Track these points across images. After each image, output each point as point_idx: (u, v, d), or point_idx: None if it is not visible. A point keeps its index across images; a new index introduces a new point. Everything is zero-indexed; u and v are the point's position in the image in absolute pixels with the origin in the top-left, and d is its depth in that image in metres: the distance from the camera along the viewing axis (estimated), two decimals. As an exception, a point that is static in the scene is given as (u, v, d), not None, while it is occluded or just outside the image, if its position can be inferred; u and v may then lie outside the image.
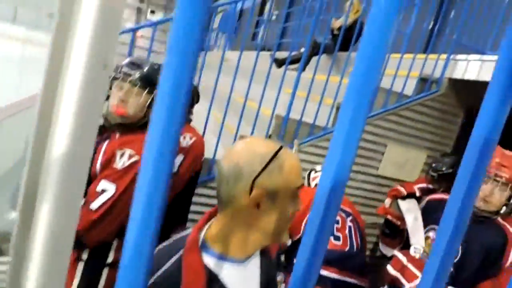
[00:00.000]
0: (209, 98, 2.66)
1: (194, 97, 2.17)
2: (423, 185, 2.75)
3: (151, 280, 0.77)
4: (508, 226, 1.50)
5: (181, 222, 2.20)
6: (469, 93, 3.02)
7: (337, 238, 1.95)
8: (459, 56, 2.92)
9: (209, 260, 0.80)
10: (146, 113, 1.46)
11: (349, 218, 2.05)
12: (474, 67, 2.80)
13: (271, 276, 0.92)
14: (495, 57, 2.70)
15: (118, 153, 1.34)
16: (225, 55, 4.86)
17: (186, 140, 1.99)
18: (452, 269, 1.49)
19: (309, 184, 2.32)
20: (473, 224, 1.52)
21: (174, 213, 2.10)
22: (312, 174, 2.35)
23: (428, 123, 3.06)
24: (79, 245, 1.32)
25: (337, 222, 1.99)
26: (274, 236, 0.83)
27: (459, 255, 1.49)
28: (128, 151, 1.36)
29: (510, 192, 1.44)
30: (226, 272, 0.80)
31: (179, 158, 1.98)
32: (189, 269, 0.77)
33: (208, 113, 2.57)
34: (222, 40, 7.03)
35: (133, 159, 1.35)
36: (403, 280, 1.46)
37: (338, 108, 2.82)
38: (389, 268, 1.51)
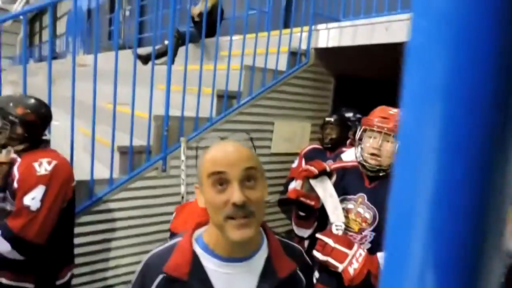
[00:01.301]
0: (70, 110, 2.24)
1: (47, 116, 1.78)
2: (310, 147, 2.89)
3: (145, 260, 0.88)
4: None
5: (67, 262, 1.82)
6: (335, 59, 3.19)
7: None
8: (320, 26, 3.04)
9: (197, 249, 0.86)
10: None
11: None
12: (334, 34, 2.94)
13: None
14: (349, 23, 2.88)
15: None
16: (81, 60, 4.33)
17: (44, 167, 1.61)
18: (373, 234, 1.50)
19: None
20: (378, 185, 1.54)
21: (56, 253, 1.72)
22: None
23: (306, 94, 3.15)
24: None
25: None
26: (221, 231, 0.81)
27: (377, 218, 1.51)
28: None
29: None
30: (212, 265, 0.84)
31: (39, 191, 1.58)
32: (178, 250, 0.85)
33: (72, 129, 2.17)
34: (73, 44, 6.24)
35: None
36: (335, 263, 1.41)
37: (218, 96, 2.69)
38: (317, 254, 1.44)
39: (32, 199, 1.56)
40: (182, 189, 2.39)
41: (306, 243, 2.62)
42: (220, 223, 0.78)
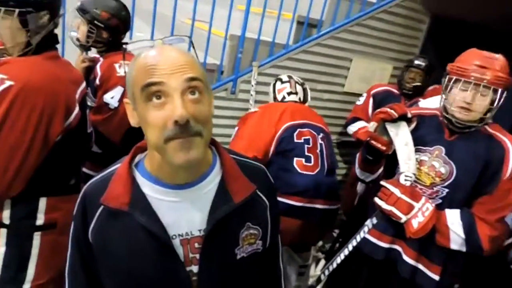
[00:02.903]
0: (151, 23, 2.28)
1: (128, 19, 1.83)
2: (382, 88, 2.66)
3: (82, 191, 0.78)
4: (500, 135, 1.39)
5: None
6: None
7: (308, 160, 1.82)
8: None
9: (138, 176, 0.76)
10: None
11: (320, 136, 1.90)
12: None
13: (225, 221, 0.76)
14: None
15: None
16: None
17: (124, 69, 1.68)
18: (446, 191, 1.39)
19: (275, 98, 2.09)
20: (459, 139, 1.40)
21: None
22: (278, 85, 2.08)
23: (393, 32, 2.86)
24: None
25: (308, 142, 1.83)
26: (161, 155, 0.69)
27: (453, 174, 1.38)
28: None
29: (493, 95, 1.30)
30: (155, 194, 0.74)
31: (118, 91, 1.68)
32: (116, 178, 0.75)
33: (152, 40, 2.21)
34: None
35: (4, 85, 1.07)
36: (398, 213, 1.34)
37: (298, 23, 2.54)
38: (380, 203, 1.38)
39: (111, 97, 1.68)
40: (249, 113, 2.40)
41: (359, 185, 2.56)
42: (160, 145, 0.66)
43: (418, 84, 2.56)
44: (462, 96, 1.33)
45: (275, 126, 1.81)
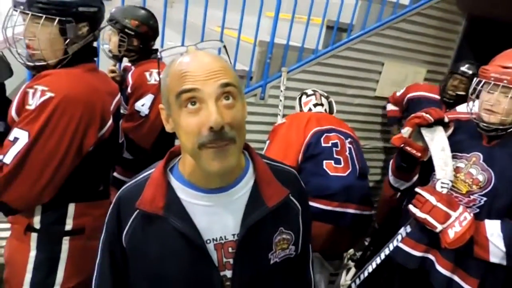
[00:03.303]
0: (181, 32, 2.33)
1: (156, 27, 1.87)
2: (420, 94, 2.55)
3: (118, 194, 0.79)
4: None
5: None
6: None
7: (337, 162, 1.79)
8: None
9: (172, 180, 0.77)
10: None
11: (348, 140, 1.88)
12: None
13: (258, 226, 0.75)
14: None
15: (30, 92, 1.10)
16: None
17: (154, 77, 1.72)
18: (484, 199, 1.32)
19: (301, 111, 2.10)
20: (498, 145, 1.33)
21: (158, 159, 1.90)
22: (304, 99, 2.11)
23: (427, 35, 2.78)
24: (7, 210, 1.14)
25: (336, 145, 1.81)
26: (195, 161, 0.69)
27: (492, 182, 1.30)
28: (40, 88, 1.09)
29: None
30: (189, 198, 0.75)
31: (148, 98, 1.72)
32: (151, 183, 0.76)
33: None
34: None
35: (45, 96, 1.09)
36: (434, 222, 1.28)
37: (328, 27, 2.52)
38: (415, 210, 1.32)
39: (142, 105, 1.72)
40: (279, 120, 2.40)
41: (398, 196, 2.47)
42: (194, 151, 0.66)
43: (462, 93, 2.32)
44: (487, 98, 1.29)
45: (303, 133, 1.81)
